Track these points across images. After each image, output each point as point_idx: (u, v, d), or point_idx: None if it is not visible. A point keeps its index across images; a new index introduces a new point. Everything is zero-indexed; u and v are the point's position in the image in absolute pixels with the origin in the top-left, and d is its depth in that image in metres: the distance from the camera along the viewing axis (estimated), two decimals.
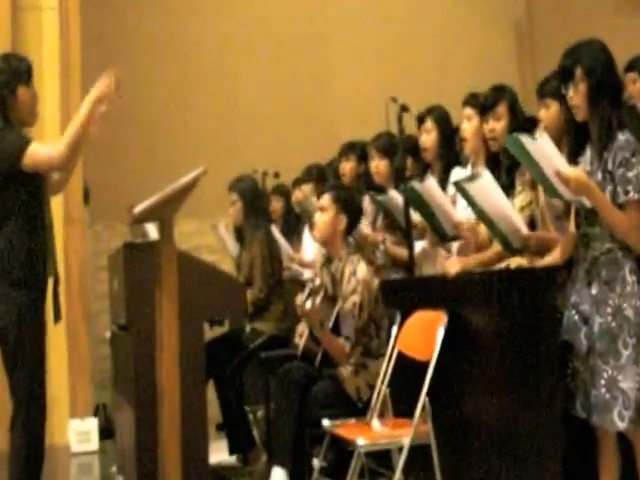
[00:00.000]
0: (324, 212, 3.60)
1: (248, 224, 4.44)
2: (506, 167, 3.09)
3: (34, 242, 3.07)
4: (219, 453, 4.23)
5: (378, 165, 4.10)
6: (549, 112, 2.99)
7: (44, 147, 3.08)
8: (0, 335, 3.03)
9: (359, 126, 4.96)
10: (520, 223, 2.82)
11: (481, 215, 2.88)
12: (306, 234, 4.98)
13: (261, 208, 4.59)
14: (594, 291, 2.48)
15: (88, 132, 3.01)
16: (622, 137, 2.46)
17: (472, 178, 2.93)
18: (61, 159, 3.00)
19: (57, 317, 3.17)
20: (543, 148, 2.48)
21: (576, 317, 2.53)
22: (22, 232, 3.04)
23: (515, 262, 2.93)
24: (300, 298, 3.43)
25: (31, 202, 3.06)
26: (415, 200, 3.47)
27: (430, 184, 3.35)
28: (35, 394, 3.03)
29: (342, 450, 3.32)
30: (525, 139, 2.51)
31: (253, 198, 4.48)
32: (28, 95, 3.13)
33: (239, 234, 4.60)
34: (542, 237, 2.84)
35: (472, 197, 2.84)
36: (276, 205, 5.53)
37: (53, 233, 3.18)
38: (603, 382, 2.42)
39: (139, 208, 2.69)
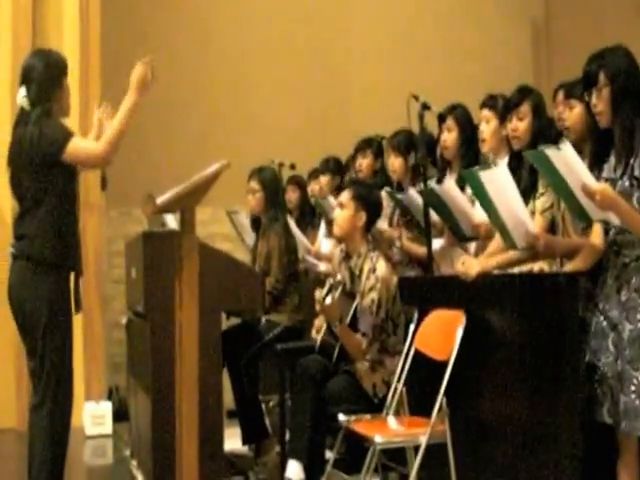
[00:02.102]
0: (344, 208, 3.61)
1: (267, 215, 4.45)
2: (529, 168, 3.09)
3: (65, 228, 3.10)
4: (231, 440, 4.26)
5: (394, 163, 4.13)
6: (573, 113, 2.99)
7: (86, 145, 3.12)
8: (30, 319, 3.06)
9: (377, 120, 4.96)
10: (529, 221, 2.80)
11: (488, 207, 2.86)
12: (322, 226, 5.00)
13: (281, 199, 4.60)
14: (623, 298, 2.48)
15: (129, 125, 3.07)
16: None
17: (488, 166, 2.92)
18: (103, 158, 3.07)
19: (78, 308, 3.20)
20: (567, 158, 2.48)
21: (604, 323, 2.53)
22: (53, 217, 3.07)
23: (537, 266, 2.94)
24: (319, 293, 3.45)
25: (64, 190, 3.10)
26: (433, 201, 3.48)
27: (449, 186, 3.36)
28: (64, 379, 3.07)
29: (354, 442, 3.36)
30: (550, 151, 2.50)
31: (274, 189, 4.49)
32: (68, 88, 3.20)
33: (256, 223, 4.61)
34: (552, 240, 2.82)
35: (483, 186, 2.80)
36: (292, 196, 5.55)
37: (79, 224, 3.22)
38: (633, 388, 2.41)
39: (161, 199, 2.69)
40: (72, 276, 3.18)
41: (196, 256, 2.69)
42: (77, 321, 5.13)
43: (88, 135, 3.52)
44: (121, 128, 3.05)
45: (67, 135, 3.06)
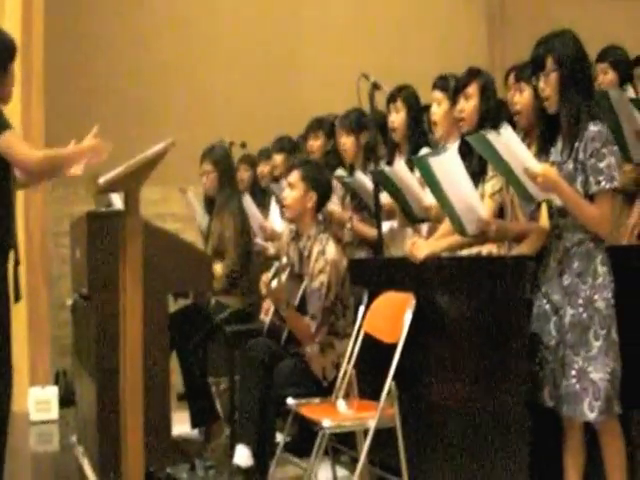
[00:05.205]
0: (293, 189, 3.56)
1: (222, 194, 4.35)
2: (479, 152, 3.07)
3: (1, 213, 2.99)
4: (180, 424, 4.22)
5: (345, 142, 4.09)
6: (523, 96, 2.98)
7: (24, 144, 2.99)
8: None
9: (329, 99, 4.91)
10: (480, 207, 2.80)
11: (438, 193, 2.84)
12: (273, 206, 4.95)
13: (234, 178, 4.52)
14: (566, 282, 2.50)
15: (66, 168, 2.97)
16: (594, 128, 2.47)
17: (437, 152, 2.90)
18: (34, 166, 2.93)
19: (17, 298, 3.11)
20: (508, 142, 2.47)
21: (547, 306, 2.54)
22: None
23: (486, 249, 2.94)
24: (266, 277, 3.40)
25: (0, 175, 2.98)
26: (385, 183, 3.46)
27: (400, 168, 3.34)
28: (3, 364, 2.97)
29: (305, 425, 3.34)
30: (490, 135, 2.50)
31: (226, 167, 4.40)
32: (13, 74, 3.07)
33: (210, 204, 4.52)
34: (503, 225, 2.82)
35: (433, 173, 2.78)
36: (244, 175, 5.48)
37: (15, 211, 3.11)
38: (574, 373, 2.43)
39: (104, 179, 2.61)
40: (10, 264, 3.07)
41: (140, 237, 2.63)
42: (22, 302, 4.97)
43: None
44: (61, 161, 2.94)
45: (4, 126, 2.93)
